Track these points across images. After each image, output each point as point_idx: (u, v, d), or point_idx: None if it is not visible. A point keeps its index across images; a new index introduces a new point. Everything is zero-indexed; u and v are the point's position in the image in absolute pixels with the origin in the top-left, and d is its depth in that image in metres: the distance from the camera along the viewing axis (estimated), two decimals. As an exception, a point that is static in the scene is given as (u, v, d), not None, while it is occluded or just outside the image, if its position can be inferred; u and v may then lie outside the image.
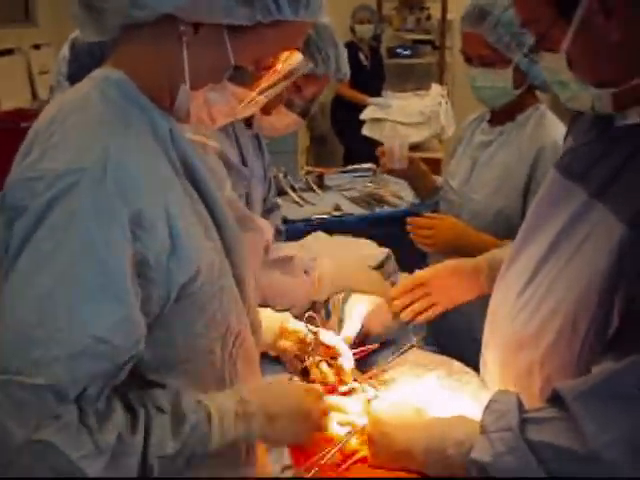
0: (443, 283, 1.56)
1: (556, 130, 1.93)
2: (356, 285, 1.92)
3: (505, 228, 1.90)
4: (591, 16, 1.03)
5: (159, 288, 0.99)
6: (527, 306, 1.20)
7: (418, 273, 1.60)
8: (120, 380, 0.97)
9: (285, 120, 1.92)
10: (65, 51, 1.98)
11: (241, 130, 1.92)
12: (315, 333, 1.62)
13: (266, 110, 1.84)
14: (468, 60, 2.00)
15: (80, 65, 2.11)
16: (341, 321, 1.83)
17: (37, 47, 5.38)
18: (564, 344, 1.10)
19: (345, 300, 1.91)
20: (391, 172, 2.35)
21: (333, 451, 1.30)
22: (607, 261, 1.03)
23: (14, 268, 0.91)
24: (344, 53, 1.87)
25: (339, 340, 1.65)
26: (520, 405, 1.07)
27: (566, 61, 1.09)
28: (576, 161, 1.21)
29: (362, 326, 1.75)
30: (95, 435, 0.91)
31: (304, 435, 1.23)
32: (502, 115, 2.07)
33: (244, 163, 1.92)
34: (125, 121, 1.00)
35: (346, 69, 1.89)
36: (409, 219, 1.96)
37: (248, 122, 1.92)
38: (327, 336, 1.64)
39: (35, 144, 0.98)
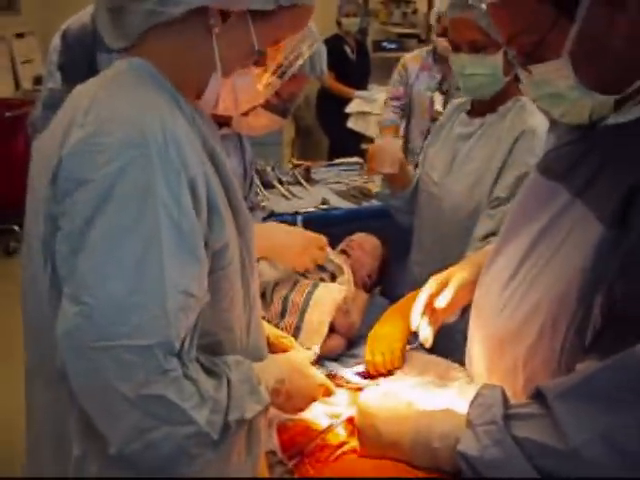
0: (454, 302, 1.52)
1: (534, 119, 1.92)
2: (277, 241, 1.92)
3: None
4: (596, 9, 1.00)
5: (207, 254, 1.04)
6: (509, 303, 1.20)
7: (437, 299, 1.52)
8: (196, 332, 1.04)
9: (263, 121, 1.90)
10: (57, 41, 1.97)
11: (212, 131, 1.87)
12: None
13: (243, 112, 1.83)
14: (456, 48, 1.96)
15: (72, 55, 2.10)
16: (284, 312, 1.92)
17: (20, 35, 5.33)
18: (545, 342, 1.11)
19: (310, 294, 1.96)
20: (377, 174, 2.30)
21: (317, 438, 1.39)
22: (586, 260, 1.03)
23: (91, 239, 0.93)
24: (320, 49, 1.83)
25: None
26: (505, 399, 1.08)
27: (570, 64, 1.05)
28: (558, 161, 1.20)
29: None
30: (198, 385, 0.98)
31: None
32: (483, 106, 2.04)
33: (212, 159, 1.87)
34: (165, 98, 1.05)
35: (322, 66, 1.85)
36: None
37: (221, 122, 1.87)
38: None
39: (77, 123, 0.99)
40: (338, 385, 1.58)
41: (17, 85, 5.36)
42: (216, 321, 1.11)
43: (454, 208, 2.03)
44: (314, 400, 1.35)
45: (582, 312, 1.04)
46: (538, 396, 1.04)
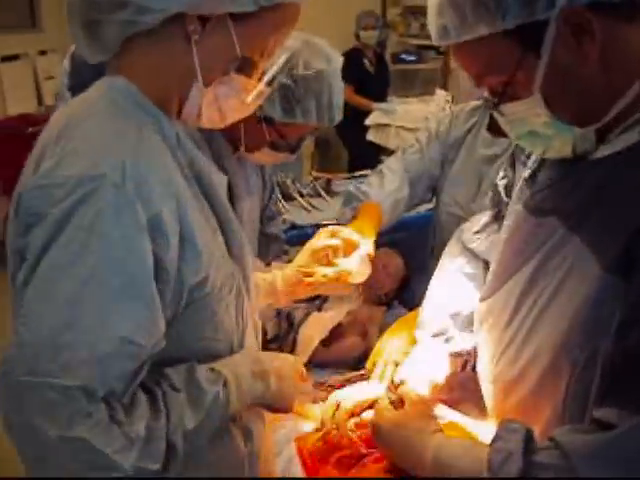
0: None
1: None
2: None
3: None
4: (562, 42, 0.96)
5: (172, 291, 1.01)
6: (510, 347, 1.16)
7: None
8: (142, 377, 0.99)
9: (270, 158, 1.87)
10: (66, 62, 1.98)
11: (225, 154, 1.86)
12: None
13: (248, 149, 1.81)
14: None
15: (80, 76, 2.10)
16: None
17: (43, 53, 5.40)
18: (548, 387, 1.08)
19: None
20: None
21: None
22: (587, 306, 0.99)
23: (36, 273, 0.92)
24: (331, 99, 1.75)
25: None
26: (526, 444, 1.00)
27: (543, 100, 1.01)
28: (546, 200, 1.15)
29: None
30: (125, 428, 0.93)
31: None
32: None
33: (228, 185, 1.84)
34: (137, 127, 1.02)
35: (332, 116, 1.77)
36: None
37: (235, 147, 1.86)
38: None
39: (47, 152, 0.99)
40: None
41: (40, 101, 5.42)
42: (198, 350, 1.09)
43: None
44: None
45: (585, 357, 1.00)
46: (558, 448, 0.98)
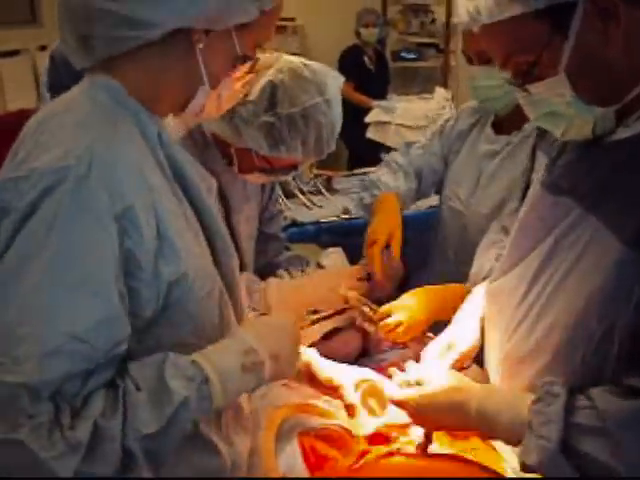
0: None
1: None
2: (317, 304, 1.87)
3: None
4: (589, 24, 0.99)
5: (148, 289, 0.98)
6: (523, 322, 1.18)
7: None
8: (105, 379, 0.95)
9: (262, 179, 1.83)
10: (47, 61, 1.98)
11: (220, 167, 1.78)
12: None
13: (241, 171, 1.76)
14: (469, 60, 1.96)
15: (59, 75, 2.10)
16: None
17: (43, 48, 5.37)
18: (561, 362, 1.10)
19: None
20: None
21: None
22: (607, 280, 1.02)
23: (1, 266, 0.92)
24: (320, 134, 1.68)
25: None
26: (566, 407, 1.03)
27: (567, 81, 1.04)
28: (564, 177, 1.18)
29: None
30: (66, 433, 0.89)
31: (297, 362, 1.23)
32: (508, 123, 2.01)
33: (223, 197, 1.79)
34: (112, 121, 1.01)
35: (321, 150, 1.71)
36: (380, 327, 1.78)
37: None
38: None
39: (22, 146, 0.99)
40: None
41: (40, 97, 5.42)
42: (176, 351, 1.03)
43: (479, 230, 1.98)
44: (299, 341, 1.22)
45: (601, 332, 1.03)
46: (594, 408, 1.01)
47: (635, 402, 0.98)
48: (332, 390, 1.44)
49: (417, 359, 1.44)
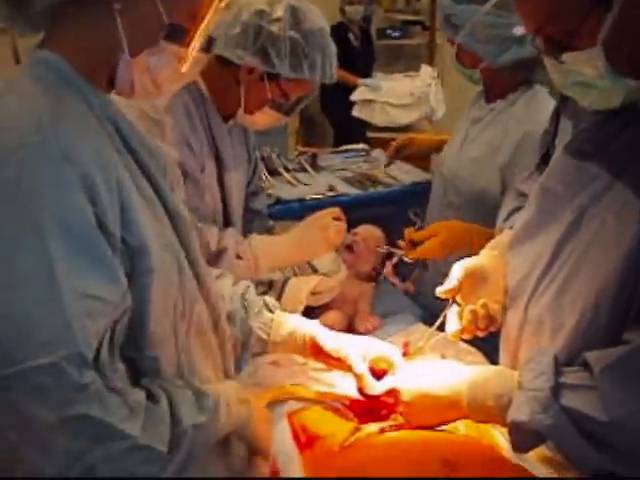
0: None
1: (545, 115, 1.89)
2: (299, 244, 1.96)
3: (484, 208, 1.90)
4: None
5: (119, 255, 0.96)
6: (549, 289, 1.19)
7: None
8: (120, 342, 0.97)
9: (268, 119, 1.92)
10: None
11: (216, 123, 1.91)
12: None
13: (249, 110, 1.86)
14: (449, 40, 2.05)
15: None
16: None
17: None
18: (584, 328, 1.11)
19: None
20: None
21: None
22: (632, 248, 1.03)
23: None
24: (332, 56, 1.83)
25: None
26: (556, 367, 1.09)
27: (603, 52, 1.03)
28: (589, 142, 1.18)
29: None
30: (125, 396, 0.91)
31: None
32: (494, 92, 2.07)
33: (217, 154, 1.91)
34: (59, 98, 0.97)
35: (332, 72, 1.85)
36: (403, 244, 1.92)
37: (226, 117, 1.93)
38: None
39: None
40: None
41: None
42: (155, 332, 1.04)
43: (457, 193, 2.07)
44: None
45: (624, 298, 1.04)
46: (586, 365, 1.05)
47: (622, 348, 1.01)
48: (339, 361, 1.46)
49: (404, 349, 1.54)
